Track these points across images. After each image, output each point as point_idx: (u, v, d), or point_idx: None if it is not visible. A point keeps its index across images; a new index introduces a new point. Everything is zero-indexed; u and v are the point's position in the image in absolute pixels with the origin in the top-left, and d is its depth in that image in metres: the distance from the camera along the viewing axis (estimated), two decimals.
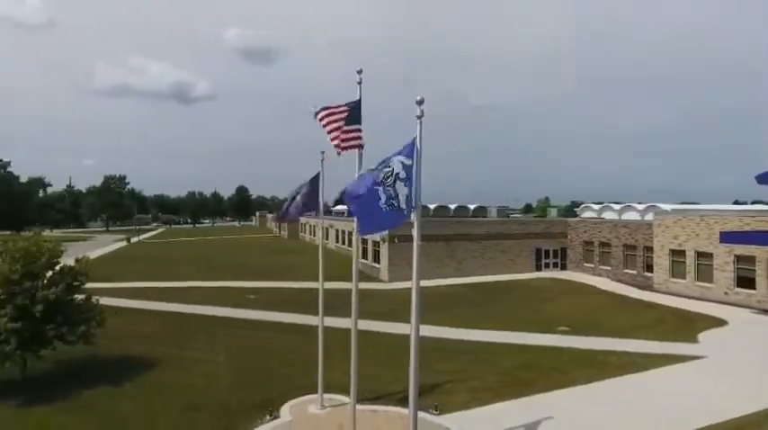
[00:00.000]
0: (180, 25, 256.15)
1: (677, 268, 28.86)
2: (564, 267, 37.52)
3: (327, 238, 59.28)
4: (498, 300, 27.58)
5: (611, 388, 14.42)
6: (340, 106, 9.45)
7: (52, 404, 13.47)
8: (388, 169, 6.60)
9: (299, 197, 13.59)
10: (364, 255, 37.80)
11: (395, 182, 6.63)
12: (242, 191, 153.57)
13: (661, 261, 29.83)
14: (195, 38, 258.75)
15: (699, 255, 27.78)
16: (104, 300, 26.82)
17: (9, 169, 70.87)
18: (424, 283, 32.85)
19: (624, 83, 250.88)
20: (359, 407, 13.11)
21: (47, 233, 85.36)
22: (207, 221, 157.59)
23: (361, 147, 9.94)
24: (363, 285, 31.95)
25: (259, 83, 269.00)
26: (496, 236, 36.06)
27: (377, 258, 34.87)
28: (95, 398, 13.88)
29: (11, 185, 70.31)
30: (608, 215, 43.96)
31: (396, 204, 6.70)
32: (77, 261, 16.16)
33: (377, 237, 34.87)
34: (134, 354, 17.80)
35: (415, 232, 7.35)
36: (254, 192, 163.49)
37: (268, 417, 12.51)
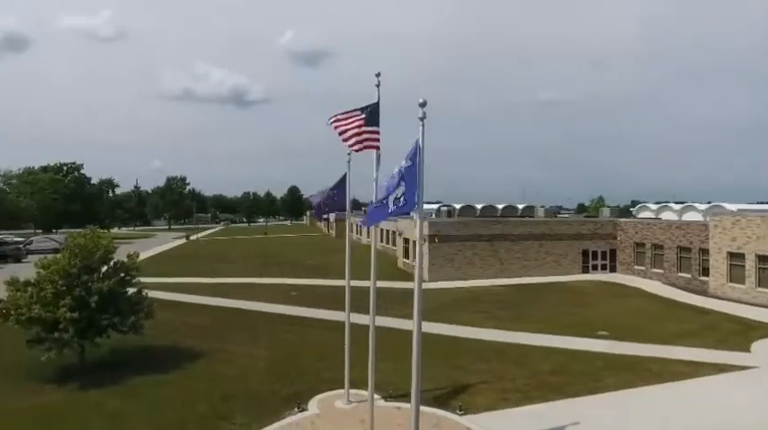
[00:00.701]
0: (237, 32, 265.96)
1: (736, 272, 27.08)
2: (613, 269, 36.09)
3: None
4: (539, 301, 27.00)
5: (648, 395, 13.89)
6: (356, 110, 9.77)
7: (104, 388, 14.65)
8: (394, 172, 6.91)
9: (328, 196, 14.07)
10: (406, 255, 38.06)
11: (398, 181, 6.90)
12: (294, 191, 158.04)
13: (717, 264, 28.09)
14: (251, 44, 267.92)
15: (760, 258, 25.93)
16: (159, 295, 28.84)
17: (82, 171, 76.88)
18: (465, 283, 33.06)
19: (706, 75, 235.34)
20: (383, 403, 13.47)
21: (115, 230, 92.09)
22: (262, 220, 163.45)
23: (377, 148, 10.22)
24: (404, 285, 32.31)
25: (311, 85, 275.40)
26: (540, 236, 35.24)
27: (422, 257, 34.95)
28: (142, 384, 14.96)
29: (83, 187, 76.20)
30: (666, 215, 41.82)
31: (385, 202, 6.97)
32: (129, 257, 17.46)
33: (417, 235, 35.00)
34: (182, 346, 18.93)
35: (417, 232, 7.54)
36: (306, 192, 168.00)
37: (296, 409, 13.04)
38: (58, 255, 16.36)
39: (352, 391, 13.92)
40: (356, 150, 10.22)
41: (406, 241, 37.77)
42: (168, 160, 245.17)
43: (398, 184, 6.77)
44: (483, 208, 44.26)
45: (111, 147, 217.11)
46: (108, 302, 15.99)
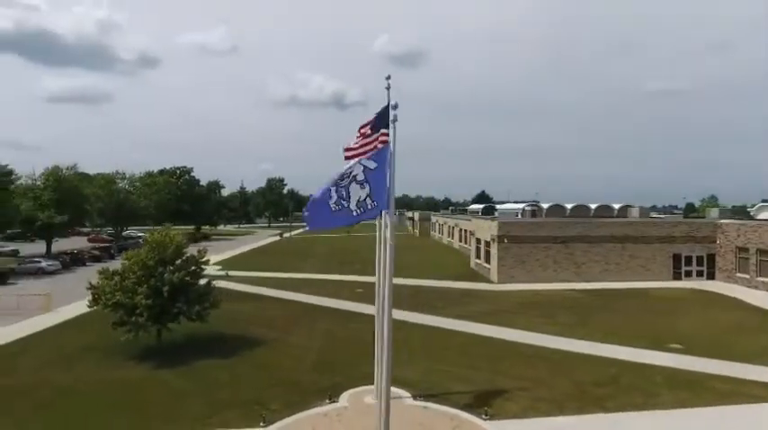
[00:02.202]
0: (336, 39, 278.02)
1: None
2: (711, 277, 32.32)
3: (452, 237, 59.51)
4: (614, 309, 25.15)
5: (704, 417, 12.55)
6: (364, 126, 9.99)
7: (173, 368, 16.51)
8: (347, 172, 7.07)
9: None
10: (478, 255, 37.39)
11: (349, 184, 7.03)
12: None
13: None
14: (349, 49, 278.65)
15: None
16: (242, 287, 31.43)
17: (192, 174, 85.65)
18: (535, 287, 31.74)
19: None
20: (411, 402, 13.66)
21: (220, 227, 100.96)
22: None
23: (386, 143, 10.40)
24: (471, 285, 31.93)
25: (406, 86, 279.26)
26: (623, 238, 32.58)
27: (488, 259, 34.23)
28: (204, 367, 16.60)
29: (193, 188, 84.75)
30: None
31: (345, 205, 7.10)
32: (198, 252, 19.41)
33: (488, 236, 34.25)
34: (248, 335, 20.55)
35: (388, 233, 7.70)
36: (398, 191, 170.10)
37: (327, 401, 13.70)
38: (140, 250, 18.67)
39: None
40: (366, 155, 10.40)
41: (478, 241, 37.07)
42: (275, 162, 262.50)
43: (362, 186, 6.95)
44: (574, 207, 41.76)
45: (224, 150, 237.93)
46: (179, 292, 17.94)
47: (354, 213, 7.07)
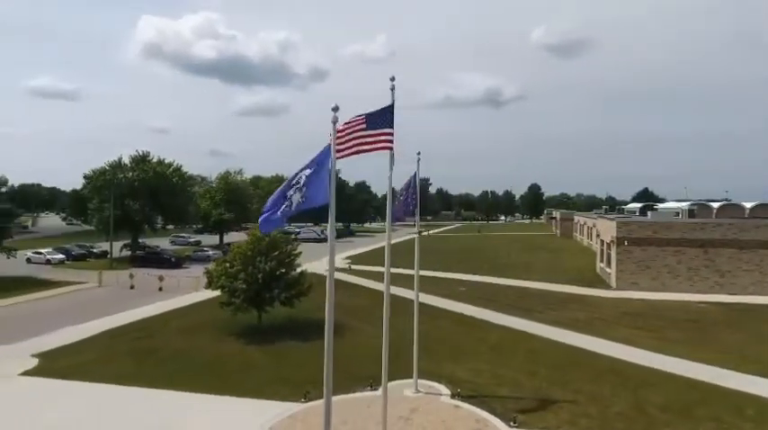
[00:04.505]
0: (491, 37, 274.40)
1: None
2: None
3: (591, 239, 54.65)
4: (745, 327, 21.03)
5: None
6: (358, 117, 10.45)
7: (263, 346, 18.99)
8: (294, 180, 7.73)
9: (403, 197, 14.97)
10: (601, 258, 34.08)
11: (295, 193, 7.63)
12: (534, 188, 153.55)
13: None
14: (504, 45, 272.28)
15: None
16: (355, 280, 33.81)
17: (340, 176, 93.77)
18: (661, 296, 28.29)
19: None
20: (446, 400, 13.82)
21: (366, 224, 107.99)
22: (502, 218, 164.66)
23: (390, 149, 10.74)
24: (585, 291, 29.46)
25: (568, 77, 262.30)
26: None
27: (610, 262, 31.03)
28: (287, 348, 18.74)
29: (343, 188, 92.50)
30: None
31: (287, 207, 7.65)
32: (290, 245, 21.83)
33: (608, 238, 31.06)
34: (337, 322, 22.35)
35: (329, 233, 8.24)
36: (548, 190, 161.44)
37: (368, 388, 14.55)
38: (244, 242, 21.75)
39: (428, 384, 14.68)
40: (352, 154, 10.41)
41: (602, 243, 33.79)
42: (427, 163, 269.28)
43: (301, 189, 7.59)
44: (722, 206, 35.58)
45: (379, 153, 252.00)
46: (273, 279, 20.52)
47: (291, 208, 7.78)
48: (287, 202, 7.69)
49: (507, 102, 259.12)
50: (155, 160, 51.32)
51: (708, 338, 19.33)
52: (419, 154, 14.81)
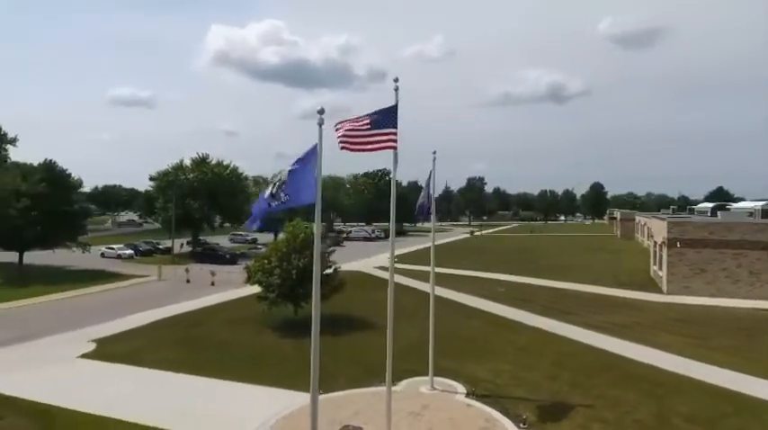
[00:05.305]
0: (554, 31, 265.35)
1: None
2: None
3: (650, 240, 51.60)
4: None
5: None
6: (364, 116, 10.76)
7: (294, 339, 19.78)
8: (279, 178, 8.21)
9: (422, 197, 15.16)
10: (654, 261, 32.29)
11: (280, 192, 8.12)
12: (597, 188, 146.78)
13: None
14: (567, 38, 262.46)
15: None
16: (398, 278, 34.09)
17: (388, 176, 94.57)
18: (720, 302, 26.77)
19: None
20: (460, 398, 13.94)
21: (418, 224, 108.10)
22: (562, 218, 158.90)
23: (394, 148, 11.00)
24: (632, 294, 28.16)
25: (636, 70, 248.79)
26: None
27: (661, 265, 29.36)
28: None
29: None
30: None
31: (272, 203, 8.15)
32: (322, 242, 22.55)
33: (660, 239, 29.38)
34: (368, 319, 22.83)
35: (315, 228, 8.63)
36: (612, 189, 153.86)
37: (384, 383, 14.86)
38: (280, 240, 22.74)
39: (446, 382, 14.84)
40: (358, 151, 10.69)
41: (655, 244, 32.01)
42: (487, 161, 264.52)
43: (282, 185, 8.05)
44: None
45: (441, 151, 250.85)
46: (305, 276, 21.31)
47: (272, 205, 8.23)
48: (271, 198, 8.15)
49: (571, 97, 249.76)
50: (213, 162, 54.34)
51: (758, 348, 17.97)
52: (435, 153, 14.92)
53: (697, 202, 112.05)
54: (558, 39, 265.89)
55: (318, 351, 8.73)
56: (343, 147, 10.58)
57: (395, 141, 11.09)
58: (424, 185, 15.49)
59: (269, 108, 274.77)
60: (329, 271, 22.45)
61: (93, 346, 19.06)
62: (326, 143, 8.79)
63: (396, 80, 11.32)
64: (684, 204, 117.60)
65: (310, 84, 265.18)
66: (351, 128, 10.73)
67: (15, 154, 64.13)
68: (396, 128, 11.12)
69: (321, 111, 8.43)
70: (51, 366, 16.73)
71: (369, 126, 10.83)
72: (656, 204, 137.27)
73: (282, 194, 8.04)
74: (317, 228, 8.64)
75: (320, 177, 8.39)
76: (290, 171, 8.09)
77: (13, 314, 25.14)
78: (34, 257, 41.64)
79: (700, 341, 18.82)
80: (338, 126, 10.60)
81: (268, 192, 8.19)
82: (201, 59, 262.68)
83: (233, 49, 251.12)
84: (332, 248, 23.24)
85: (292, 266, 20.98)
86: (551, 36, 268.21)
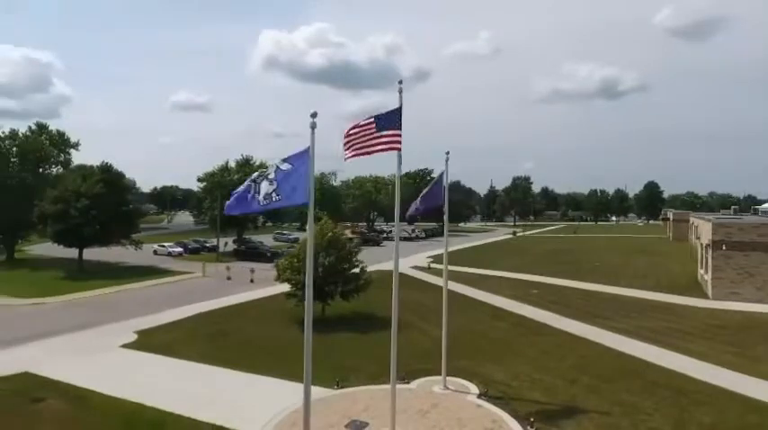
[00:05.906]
0: (606, 23, 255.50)
1: None
2: None
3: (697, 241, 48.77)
4: None
5: None
6: (368, 118, 11.01)
7: (320, 334, 20.00)
8: (263, 172, 8.61)
9: (425, 197, 15.14)
10: (701, 264, 30.63)
11: (261, 181, 8.50)
12: (651, 187, 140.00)
13: None
14: (621, 31, 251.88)
15: None
16: (431, 279, 34.27)
17: (432, 176, 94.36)
18: (756, 308, 25.02)
19: None
20: (472, 398, 14.00)
21: (461, 224, 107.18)
22: (613, 219, 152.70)
23: (398, 149, 11.18)
24: (673, 299, 26.94)
25: (696, 63, 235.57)
26: None
27: (707, 268, 27.83)
28: (339, 337, 19.93)
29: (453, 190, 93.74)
30: None
31: (256, 197, 8.54)
32: (349, 242, 23.03)
33: (705, 240, 27.84)
34: (398, 318, 23.16)
35: (308, 229, 8.97)
36: (668, 189, 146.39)
37: (400, 382, 15.09)
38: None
39: (460, 382, 14.91)
40: (363, 154, 11.00)
41: (702, 247, 30.36)
42: (536, 160, 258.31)
43: (271, 183, 8.41)
44: None
45: (487, 150, 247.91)
46: (330, 274, 21.89)
47: (261, 203, 8.62)
48: (255, 192, 8.50)
49: (625, 92, 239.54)
50: (257, 163, 56.32)
51: None
52: (448, 153, 14.97)
53: (764, 202, 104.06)
54: (611, 31, 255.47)
55: (311, 347, 9.05)
56: (348, 158, 10.96)
57: (399, 143, 11.30)
58: (423, 187, 15.45)
59: (316, 110, 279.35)
60: (356, 270, 22.90)
61: (134, 337, 20.39)
62: None
63: (400, 82, 11.53)
64: (750, 204, 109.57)
65: (355, 85, 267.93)
66: (357, 130, 11.05)
67: (86, 157, 68.55)
68: (400, 129, 11.33)
69: (314, 115, 8.78)
70: (95, 354, 18.10)
71: (374, 128, 11.11)
72: (718, 204, 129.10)
73: (275, 195, 8.44)
74: (309, 228, 9.02)
75: (312, 179, 8.74)
76: (282, 170, 8.47)
77: (71, 306, 27.27)
78: (92, 254, 44.73)
79: (739, 349, 17.83)
80: (346, 136, 10.93)
81: (253, 191, 8.54)
82: (253, 64, 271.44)
83: (282, 53, 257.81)
84: (357, 248, 23.62)
85: (319, 264, 21.55)
86: (604, 29, 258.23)
